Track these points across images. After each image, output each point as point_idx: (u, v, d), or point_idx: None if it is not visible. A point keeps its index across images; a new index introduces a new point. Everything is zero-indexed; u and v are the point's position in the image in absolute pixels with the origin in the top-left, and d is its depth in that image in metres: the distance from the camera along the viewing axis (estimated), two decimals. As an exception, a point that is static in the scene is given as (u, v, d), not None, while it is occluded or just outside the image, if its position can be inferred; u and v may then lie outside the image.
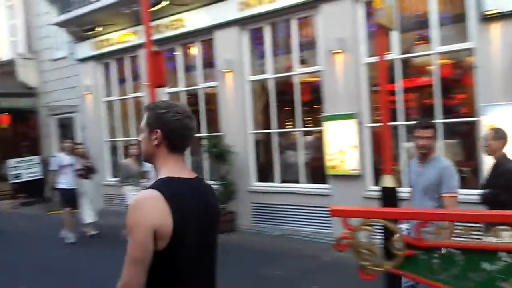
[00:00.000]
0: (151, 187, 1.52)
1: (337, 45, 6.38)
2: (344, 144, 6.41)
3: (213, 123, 8.28)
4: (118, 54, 9.81)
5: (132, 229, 1.45)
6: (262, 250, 6.39)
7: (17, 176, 10.73)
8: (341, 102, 6.48)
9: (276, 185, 7.39)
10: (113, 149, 10.37)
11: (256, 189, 7.52)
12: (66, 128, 11.30)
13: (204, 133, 8.18)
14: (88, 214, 7.65)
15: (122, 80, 10.08)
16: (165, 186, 1.52)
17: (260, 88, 7.82)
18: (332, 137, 6.52)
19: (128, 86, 9.88)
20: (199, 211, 1.57)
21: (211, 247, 1.67)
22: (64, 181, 7.39)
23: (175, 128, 1.59)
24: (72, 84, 10.81)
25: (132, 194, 6.51)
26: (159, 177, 1.58)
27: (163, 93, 8.67)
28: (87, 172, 7.60)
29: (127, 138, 9.84)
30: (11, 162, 10.70)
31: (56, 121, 11.63)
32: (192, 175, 1.66)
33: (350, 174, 6.36)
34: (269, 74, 7.44)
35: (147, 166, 6.68)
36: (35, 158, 11.07)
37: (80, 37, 10.19)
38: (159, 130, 1.59)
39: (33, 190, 11.11)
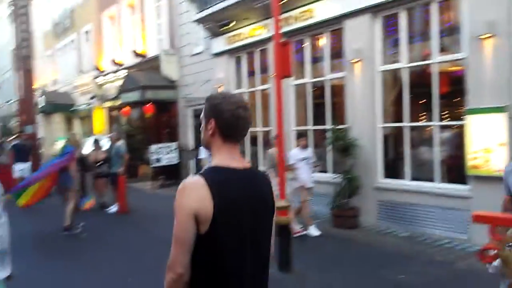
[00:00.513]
0: (199, 173, 1.61)
1: (485, 29, 5.61)
2: (490, 141, 5.62)
3: (338, 115, 8.03)
4: (249, 48, 10.16)
5: (176, 211, 1.56)
6: (386, 250, 5.98)
7: (157, 160, 11.90)
8: (488, 94, 5.69)
9: (406, 183, 6.85)
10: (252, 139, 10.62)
11: (383, 186, 7.08)
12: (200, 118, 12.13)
13: (329, 126, 7.99)
14: None
15: (251, 73, 10.43)
16: (211, 174, 1.60)
17: (392, 79, 7.32)
18: (476, 133, 5.77)
19: (257, 79, 10.17)
20: (245, 200, 1.61)
21: (260, 237, 1.68)
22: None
23: (228, 118, 1.64)
24: (207, 77, 11.56)
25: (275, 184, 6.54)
26: (210, 165, 1.66)
27: (289, 85, 8.73)
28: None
29: (253, 129, 10.16)
30: (153, 148, 11.91)
31: (192, 112, 12.58)
32: (245, 165, 1.70)
33: (495, 175, 5.56)
34: (403, 63, 6.90)
35: (294, 156, 6.70)
36: (173, 145, 12.14)
37: (215, 33, 10.82)
38: (213, 120, 1.66)
39: (171, 174, 12.21)
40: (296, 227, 6.56)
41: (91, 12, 18.14)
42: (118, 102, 14.79)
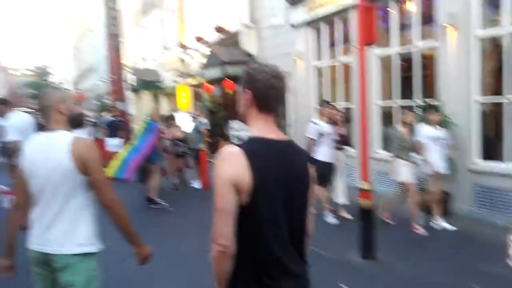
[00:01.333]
0: (236, 144, 1.61)
1: None
2: None
3: (429, 89, 7.29)
4: (330, 17, 9.60)
5: (215, 181, 1.56)
6: (483, 241, 5.41)
7: (238, 137, 11.98)
8: None
9: (506, 166, 6.06)
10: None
11: (479, 169, 6.33)
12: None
13: (418, 101, 7.30)
14: (340, 194, 6.80)
15: (332, 44, 9.89)
16: (248, 144, 1.61)
17: (492, 47, 6.41)
18: None
19: (338, 50, 9.62)
20: (282, 171, 1.61)
21: (293, 209, 1.66)
22: (323, 153, 6.28)
23: (261, 88, 1.63)
24: (286, 50, 11.22)
25: (406, 170, 5.83)
26: (248, 136, 1.66)
27: (373, 56, 8.10)
28: (342, 142, 6.75)
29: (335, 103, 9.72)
30: (233, 124, 11.98)
31: (271, 87, 12.35)
32: (281, 136, 1.70)
33: None
34: (506, 29, 5.98)
35: (425, 134, 5.80)
36: (253, 121, 12.11)
37: (294, 2, 10.37)
38: (248, 91, 1.66)
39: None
40: (417, 221, 5.91)
41: (173, -12, 18.49)
42: (201, 79, 15.07)
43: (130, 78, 22.32)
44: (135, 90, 22.96)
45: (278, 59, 11.62)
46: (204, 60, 14.27)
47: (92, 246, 2.32)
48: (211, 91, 14.94)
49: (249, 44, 12.86)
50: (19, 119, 5.30)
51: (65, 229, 2.25)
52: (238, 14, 13.92)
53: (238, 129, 11.92)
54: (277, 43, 11.74)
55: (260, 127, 1.66)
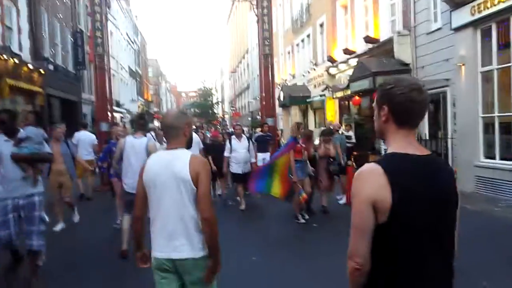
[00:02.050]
0: (375, 161, 1.53)
1: None
2: None
3: None
4: (499, 16, 8.34)
5: (353, 198, 1.52)
6: None
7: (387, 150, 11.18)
8: None
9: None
10: (488, 125, 9.06)
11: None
12: (437, 103, 10.80)
13: None
14: None
15: (503, 46, 8.55)
16: (388, 161, 1.53)
17: None
18: None
19: (511, 53, 8.26)
20: (426, 189, 1.50)
21: (441, 230, 1.54)
22: None
23: (400, 102, 1.55)
24: (446, 56, 10.15)
25: None
26: (386, 153, 1.59)
27: None
28: None
29: (507, 113, 8.34)
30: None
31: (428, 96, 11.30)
32: (424, 151, 1.60)
33: None
34: None
35: None
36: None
37: (456, 4, 9.33)
38: (386, 106, 1.59)
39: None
40: None
41: (325, 3, 18.63)
42: (348, 92, 14.70)
43: (280, 94, 23.13)
44: (284, 105, 23.66)
45: (436, 66, 10.59)
46: (352, 72, 13.87)
47: (206, 249, 2.54)
48: (359, 103, 14.40)
49: (402, 52, 12.02)
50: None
51: (187, 236, 2.50)
52: (390, 22, 13.21)
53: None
54: (435, 50, 10.72)
55: (400, 143, 1.57)
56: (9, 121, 4.53)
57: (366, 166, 1.54)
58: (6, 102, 13.76)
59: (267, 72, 13.60)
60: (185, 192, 2.48)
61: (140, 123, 5.93)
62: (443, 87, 10.34)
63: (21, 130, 4.60)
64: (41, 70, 16.34)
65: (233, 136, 9.04)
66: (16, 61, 14.14)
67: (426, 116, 11.15)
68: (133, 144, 5.52)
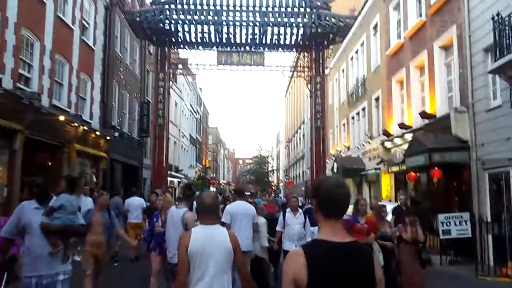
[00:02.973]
0: (301, 245, 1.95)
1: None
2: None
3: None
4: None
5: (282, 275, 1.89)
6: None
7: (445, 232, 10.48)
8: None
9: None
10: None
11: None
12: (499, 184, 10.13)
13: None
14: None
15: None
16: (310, 246, 1.91)
17: None
18: None
19: None
20: (339, 272, 1.80)
21: None
22: None
23: (324, 197, 1.94)
24: (507, 134, 9.67)
25: None
26: (313, 238, 1.99)
27: None
28: None
29: None
30: (441, 217, 10.60)
31: (489, 176, 10.66)
32: (346, 239, 1.90)
33: None
34: None
35: None
36: (465, 215, 10.48)
37: (516, 82, 9.05)
38: (314, 200, 1.99)
39: (462, 248, 10.49)
40: None
41: (381, 78, 18.80)
42: (404, 167, 14.26)
43: (333, 165, 22.89)
44: (338, 177, 23.26)
45: (497, 145, 10.10)
46: (407, 147, 13.53)
47: None
48: (415, 179, 13.85)
49: (460, 129, 11.63)
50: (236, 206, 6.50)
51: None
52: (447, 98, 12.97)
53: (444, 222, 10.46)
54: (495, 127, 10.27)
55: (325, 231, 1.91)
56: (44, 186, 4.23)
57: (293, 250, 1.94)
58: (73, 165, 14.79)
59: (319, 144, 13.68)
60: (226, 259, 3.11)
61: (186, 193, 5.99)
62: (505, 166, 9.75)
63: (54, 197, 4.21)
64: (107, 137, 17.56)
65: (288, 210, 8.03)
66: (86, 128, 15.36)
67: (487, 197, 10.49)
68: (173, 215, 5.61)
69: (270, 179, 57.29)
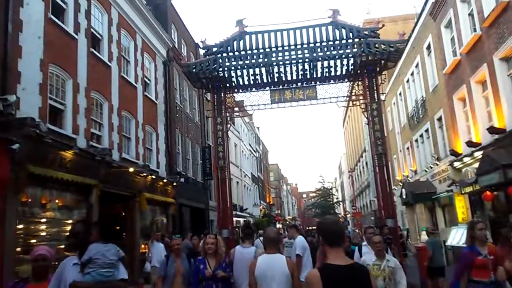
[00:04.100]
0: (317, 268, 2.95)
1: None
2: None
3: None
4: None
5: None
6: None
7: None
8: None
9: None
10: None
11: None
12: None
13: None
14: None
15: None
16: (323, 268, 2.79)
17: None
18: None
19: None
20: (346, 285, 2.69)
21: None
22: None
23: (327, 233, 2.91)
24: None
25: None
26: (324, 262, 2.87)
27: None
28: None
29: None
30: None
31: None
32: (348, 262, 2.82)
33: None
34: None
35: None
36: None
37: None
38: (320, 235, 3.13)
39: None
40: None
41: (441, 98, 18.19)
42: (478, 186, 13.44)
43: (401, 192, 22.02)
44: (407, 203, 22.35)
45: None
46: (478, 166, 12.79)
47: None
48: (491, 199, 12.97)
49: (535, 141, 10.88)
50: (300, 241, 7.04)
51: None
52: (516, 111, 12.24)
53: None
54: None
55: (332, 257, 2.81)
56: (84, 235, 3.73)
57: (311, 271, 2.87)
58: (144, 213, 15.53)
59: (383, 171, 13.31)
60: (286, 282, 3.87)
61: (247, 232, 6.16)
62: None
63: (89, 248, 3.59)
64: (174, 183, 18.32)
65: (364, 243, 6.97)
66: (154, 176, 16.18)
67: None
68: (243, 254, 5.66)
69: (336, 211, 55.95)
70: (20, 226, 9.13)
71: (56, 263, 3.98)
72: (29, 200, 9.70)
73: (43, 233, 9.71)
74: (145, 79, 17.66)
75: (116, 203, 14.40)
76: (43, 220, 9.88)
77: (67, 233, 3.76)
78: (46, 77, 10.66)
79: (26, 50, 9.91)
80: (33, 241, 9.45)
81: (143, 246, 14.76)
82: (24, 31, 9.93)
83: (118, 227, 14.94)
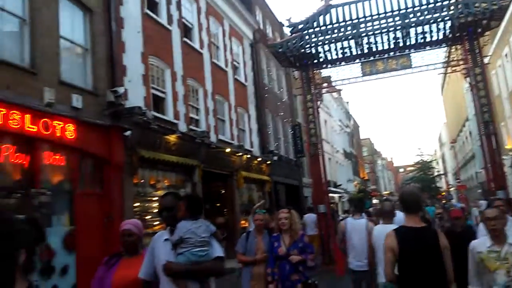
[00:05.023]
0: (393, 229, 3.65)
1: None
2: None
3: None
4: None
5: (384, 247, 3.56)
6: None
7: None
8: None
9: None
10: None
11: None
12: None
13: None
14: None
15: None
16: (398, 229, 3.58)
17: None
18: None
19: None
20: (416, 243, 3.41)
21: (428, 262, 3.36)
22: None
23: (404, 201, 3.63)
24: None
25: None
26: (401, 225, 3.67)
27: None
28: None
29: None
30: None
31: None
32: (421, 225, 3.56)
33: None
34: None
35: None
36: None
37: None
38: (400, 203, 3.83)
39: None
40: None
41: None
42: None
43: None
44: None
45: None
46: None
47: None
48: None
49: None
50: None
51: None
52: None
53: None
54: None
55: (408, 221, 3.55)
56: (175, 211, 3.21)
57: (389, 231, 3.58)
58: (242, 191, 16.28)
59: (490, 140, 12.35)
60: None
61: (358, 205, 6.68)
62: None
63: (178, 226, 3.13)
64: (268, 161, 18.86)
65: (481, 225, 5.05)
66: (248, 156, 16.82)
67: None
68: (354, 226, 6.04)
69: (437, 185, 52.86)
70: (136, 204, 10.21)
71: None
72: (142, 181, 10.77)
73: (156, 210, 10.75)
74: (234, 62, 18.22)
75: (216, 181, 15.31)
76: (155, 198, 10.91)
77: (158, 207, 3.39)
78: (147, 69, 11.57)
79: (128, 45, 10.84)
80: (148, 217, 10.52)
81: (243, 221, 15.53)
82: (125, 27, 10.84)
83: (219, 204, 15.90)
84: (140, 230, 3.47)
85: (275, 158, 20.08)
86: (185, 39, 14.04)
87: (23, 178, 7.36)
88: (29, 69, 7.70)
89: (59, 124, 7.89)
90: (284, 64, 13.88)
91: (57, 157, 8.08)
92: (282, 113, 23.63)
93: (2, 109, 6.74)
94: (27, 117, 7.20)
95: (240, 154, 16.14)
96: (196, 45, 14.86)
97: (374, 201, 43.58)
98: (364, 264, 5.82)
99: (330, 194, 29.39)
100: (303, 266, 4.83)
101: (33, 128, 7.30)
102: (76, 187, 8.48)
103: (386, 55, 13.30)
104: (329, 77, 26.16)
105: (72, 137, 8.16)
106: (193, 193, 8.88)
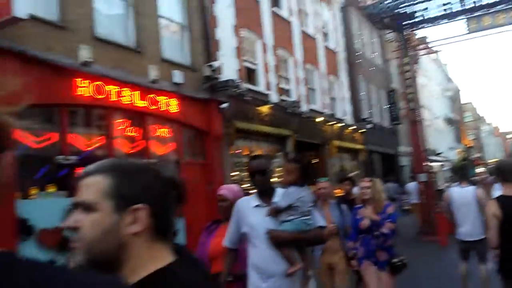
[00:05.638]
0: (495, 198, 3.95)
1: None
2: None
3: None
4: None
5: (487, 213, 3.95)
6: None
7: None
8: None
9: None
10: None
11: None
12: None
13: None
14: None
15: None
16: (498, 198, 3.78)
17: None
18: None
19: None
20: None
21: None
22: None
23: (503, 171, 3.78)
24: None
25: None
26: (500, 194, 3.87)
27: None
28: None
29: None
30: None
31: None
32: None
33: None
34: None
35: None
36: None
37: None
38: (497, 174, 4.20)
39: None
40: None
41: None
42: None
43: None
44: None
45: None
46: None
47: None
48: None
49: None
50: None
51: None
52: None
53: None
54: None
55: (506, 190, 3.69)
56: (268, 174, 2.93)
57: (491, 200, 4.01)
58: (334, 160, 16.16)
59: None
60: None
61: (463, 173, 6.59)
62: None
63: (278, 190, 2.94)
64: (361, 130, 18.39)
65: None
66: (340, 125, 16.56)
67: None
68: (461, 194, 5.86)
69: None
70: (234, 173, 10.70)
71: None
72: (238, 151, 11.22)
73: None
74: (323, 29, 17.77)
75: (308, 151, 15.37)
76: (250, 168, 11.31)
77: (248, 170, 3.20)
78: (239, 41, 11.82)
79: (220, 19, 11.13)
80: (245, 185, 10.99)
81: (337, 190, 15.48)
82: (216, 1, 11.12)
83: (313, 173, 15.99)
84: (235, 195, 3.25)
85: (369, 126, 19.48)
86: (273, 8, 14.00)
87: (136, 150, 8.12)
88: (135, 48, 8.34)
89: (164, 99, 8.50)
90: (378, 26, 13.25)
91: (163, 129, 8.75)
92: (375, 79, 22.69)
93: (115, 87, 7.44)
94: (136, 93, 7.87)
95: (332, 123, 15.94)
96: (285, 14, 14.75)
97: (479, 169, 40.37)
98: (475, 233, 5.64)
99: (431, 163, 27.94)
100: (388, 237, 4.48)
101: (142, 104, 7.97)
102: (181, 157, 9.14)
103: (493, 9, 12.01)
104: (425, 37, 24.32)
105: (175, 111, 8.75)
106: (305, 159, 8.17)
